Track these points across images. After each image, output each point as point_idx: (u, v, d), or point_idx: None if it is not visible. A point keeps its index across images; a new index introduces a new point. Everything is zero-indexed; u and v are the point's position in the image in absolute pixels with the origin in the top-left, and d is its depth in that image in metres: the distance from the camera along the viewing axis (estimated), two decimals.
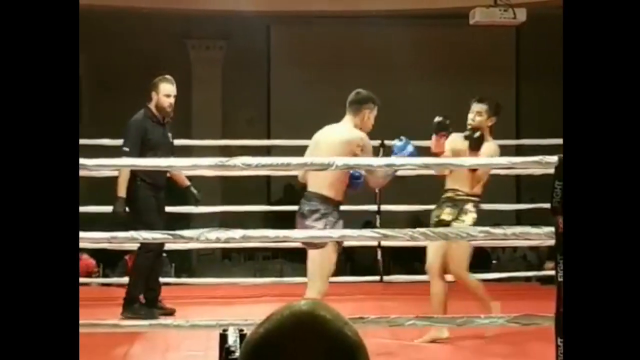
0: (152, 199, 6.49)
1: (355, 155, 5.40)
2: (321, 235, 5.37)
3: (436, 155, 5.90)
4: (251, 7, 9.91)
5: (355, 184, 5.58)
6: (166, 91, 6.61)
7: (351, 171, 5.43)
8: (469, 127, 5.94)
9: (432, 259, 6.01)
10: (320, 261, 5.44)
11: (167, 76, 6.69)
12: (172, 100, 6.63)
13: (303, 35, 12.22)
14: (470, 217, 5.92)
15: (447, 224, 5.89)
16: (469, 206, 5.94)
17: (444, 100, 10.71)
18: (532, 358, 5.62)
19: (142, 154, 6.38)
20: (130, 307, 6.43)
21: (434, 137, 5.85)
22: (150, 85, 6.67)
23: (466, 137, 5.91)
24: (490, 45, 12.07)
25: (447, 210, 5.98)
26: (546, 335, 4.70)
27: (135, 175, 6.39)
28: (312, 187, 5.51)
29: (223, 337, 2.09)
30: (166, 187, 6.68)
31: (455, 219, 5.93)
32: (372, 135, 6.18)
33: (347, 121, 5.56)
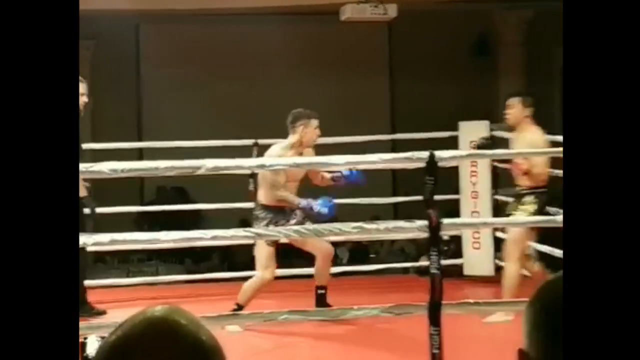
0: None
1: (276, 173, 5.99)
2: (196, 237, 5.31)
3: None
4: (119, 6, 9.68)
5: (350, 180, 6.09)
6: (81, 90, 6.48)
7: (344, 172, 6.07)
8: (506, 122, 6.54)
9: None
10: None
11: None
12: (85, 99, 6.55)
13: (173, 34, 12.02)
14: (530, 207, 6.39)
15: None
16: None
17: (318, 97, 10.72)
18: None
19: None
20: None
21: None
22: None
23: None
24: (363, 42, 12.14)
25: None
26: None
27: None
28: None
29: (82, 345, 2.01)
30: None
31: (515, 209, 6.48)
32: (244, 134, 6.16)
33: (288, 139, 6.24)
